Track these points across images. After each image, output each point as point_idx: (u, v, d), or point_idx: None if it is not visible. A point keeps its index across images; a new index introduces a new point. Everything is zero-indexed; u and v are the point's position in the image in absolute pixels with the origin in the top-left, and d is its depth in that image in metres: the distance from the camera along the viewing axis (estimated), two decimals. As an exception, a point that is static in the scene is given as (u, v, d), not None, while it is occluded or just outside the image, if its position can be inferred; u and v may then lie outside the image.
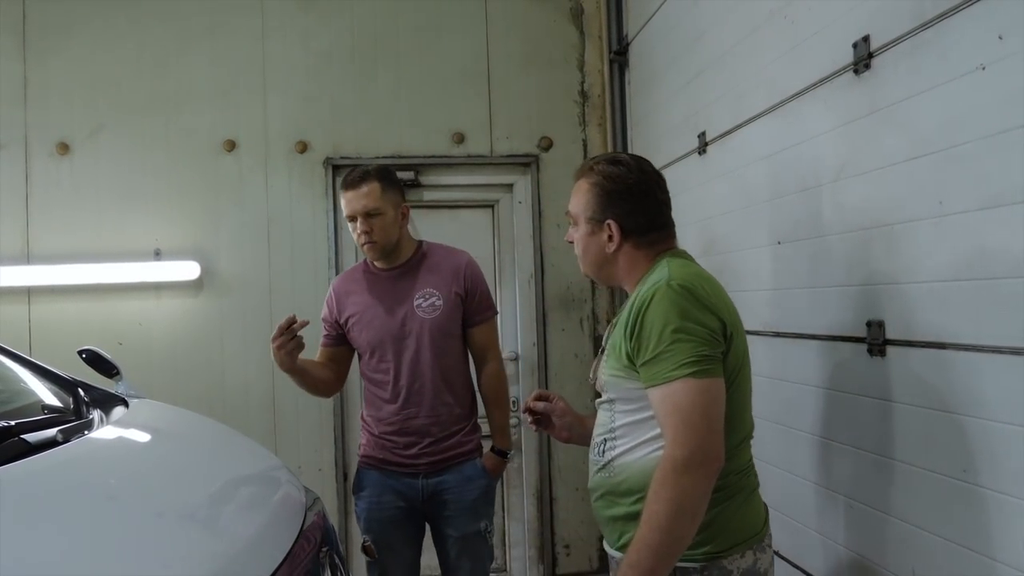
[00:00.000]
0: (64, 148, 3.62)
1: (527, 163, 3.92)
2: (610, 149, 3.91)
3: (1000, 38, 1.45)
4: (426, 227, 3.87)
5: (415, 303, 2.46)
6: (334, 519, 3.68)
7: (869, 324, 1.88)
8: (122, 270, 3.60)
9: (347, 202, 2.44)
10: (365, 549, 2.51)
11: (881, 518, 1.88)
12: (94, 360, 2.44)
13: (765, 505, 1.72)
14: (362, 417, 2.61)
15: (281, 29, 3.78)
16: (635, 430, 1.61)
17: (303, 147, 3.77)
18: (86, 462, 1.66)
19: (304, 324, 2.29)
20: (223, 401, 3.62)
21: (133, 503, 1.49)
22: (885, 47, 1.79)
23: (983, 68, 1.50)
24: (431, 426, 2.46)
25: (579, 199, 1.75)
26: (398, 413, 2.46)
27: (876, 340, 1.85)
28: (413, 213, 3.87)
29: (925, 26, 1.65)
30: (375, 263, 2.54)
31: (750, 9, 2.45)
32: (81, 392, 2.13)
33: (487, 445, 2.61)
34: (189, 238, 3.68)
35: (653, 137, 3.45)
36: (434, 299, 2.47)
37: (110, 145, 3.65)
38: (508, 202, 3.96)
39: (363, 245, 2.45)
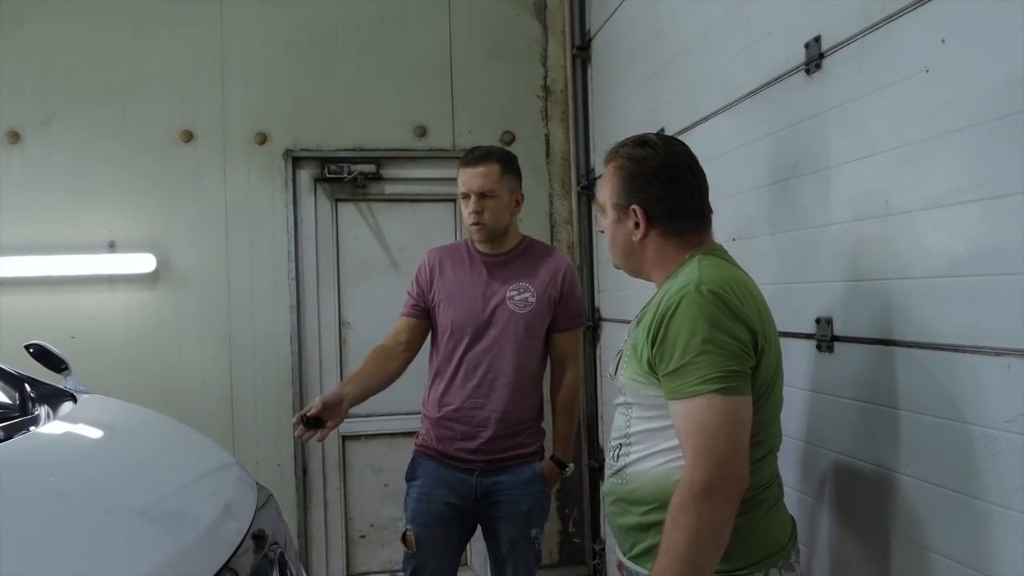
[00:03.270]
0: (15, 137, 3.54)
1: (489, 157, 3.91)
2: (572, 144, 3.93)
3: (943, 41, 1.48)
4: (388, 221, 3.86)
5: (508, 294, 2.42)
6: (293, 515, 3.66)
7: (819, 321, 1.91)
8: (75, 262, 3.53)
9: (464, 178, 2.40)
10: (404, 538, 2.46)
11: (827, 512, 1.91)
12: (42, 355, 2.39)
13: (792, 518, 1.63)
14: (423, 402, 2.54)
15: (240, 19, 3.73)
16: (651, 438, 1.53)
17: (263, 139, 3.72)
18: (30, 459, 1.63)
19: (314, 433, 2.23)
20: (179, 396, 3.58)
21: (79, 500, 1.47)
22: (835, 48, 1.82)
23: (927, 71, 1.52)
24: (495, 421, 2.40)
25: (605, 185, 1.66)
26: (465, 400, 2.41)
27: (825, 337, 1.88)
28: (374, 206, 3.87)
29: (873, 28, 1.68)
30: (477, 245, 2.49)
31: (707, 7, 2.47)
32: (27, 387, 2.09)
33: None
34: (144, 230, 3.62)
35: (615, 133, 3.45)
36: (528, 295, 2.43)
37: (62, 134, 3.57)
38: (470, 196, 3.95)
39: (472, 225, 2.40)
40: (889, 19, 1.62)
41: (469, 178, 2.39)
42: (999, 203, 1.36)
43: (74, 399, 2.14)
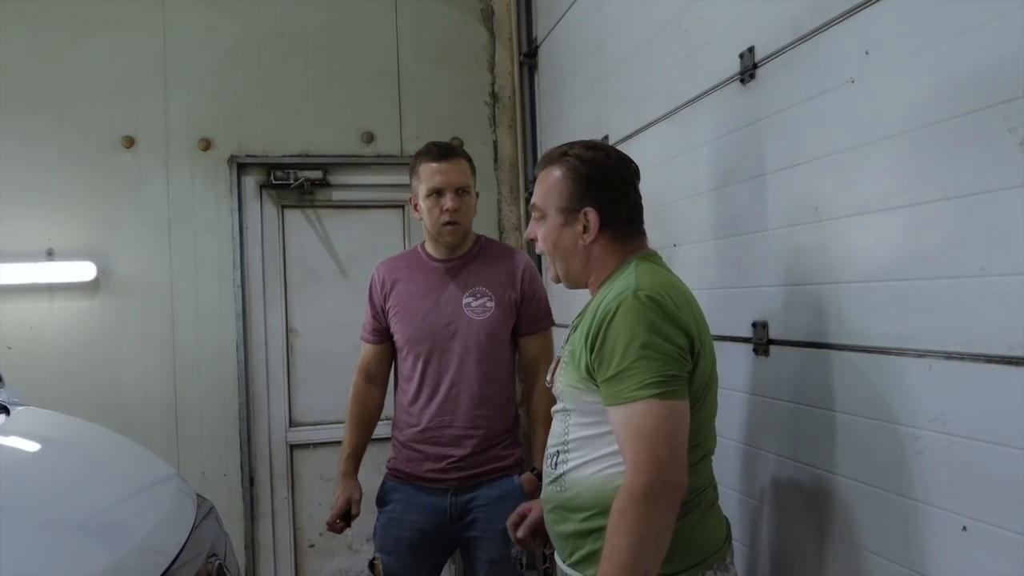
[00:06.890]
0: (-53, 143, 3.44)
1: (438, 164, 3.91)
2: (520, 151, 3.95)
3: (867, 53, 1.53)
4: (336, 227, 3.84)
5: (464, 301, 2.28)
6: (240, 525, 3.60)
7: (755, 325, 1.95)
8: (11, 271, 3.42)
9: (439, 173, 2.22)
10: (372, 567, 2.31)
11: (766, 512, 1.95)
12: (-27, 367, 2.33)
13: (727, 520, 1.66)
14: (393, 423, 2.41)
15: (184, 23, 3.66)
16: (589, 444, 1.53)
17: (206, 145, 3.66)
18: (-42, 474, 1.59)
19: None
20: (121, 408, 3.49)
21: (14, 514, 1.44)
22: (768, 58, 1.87)
23: (852, 81, 1.57)
24: (465, 438, 2.26)
25: (548, 188, 1.61)
26: (431, 420, 2.27)
27: (760, 340, 1.92)
28: (321, 213, 3.84)
29: (802, 39, 1.72)
30: (431, 250, 2.35)
31: (648, 17, 2.51)
32: (-43, 401, 2.04)
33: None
34: (84, 238, 3.53)
35: (561, 139, 3.44)
36: (485, 299, 2.28)
37: (-3, 140, 3.48)
38: (419, 202, 3.94)
39: (445, 224, 2.23)
40: (817, 31, 1.67)
41: (444, 172, 2.22)
42: (919, 210, 1.42)
43: (7, 411, 2.09)
